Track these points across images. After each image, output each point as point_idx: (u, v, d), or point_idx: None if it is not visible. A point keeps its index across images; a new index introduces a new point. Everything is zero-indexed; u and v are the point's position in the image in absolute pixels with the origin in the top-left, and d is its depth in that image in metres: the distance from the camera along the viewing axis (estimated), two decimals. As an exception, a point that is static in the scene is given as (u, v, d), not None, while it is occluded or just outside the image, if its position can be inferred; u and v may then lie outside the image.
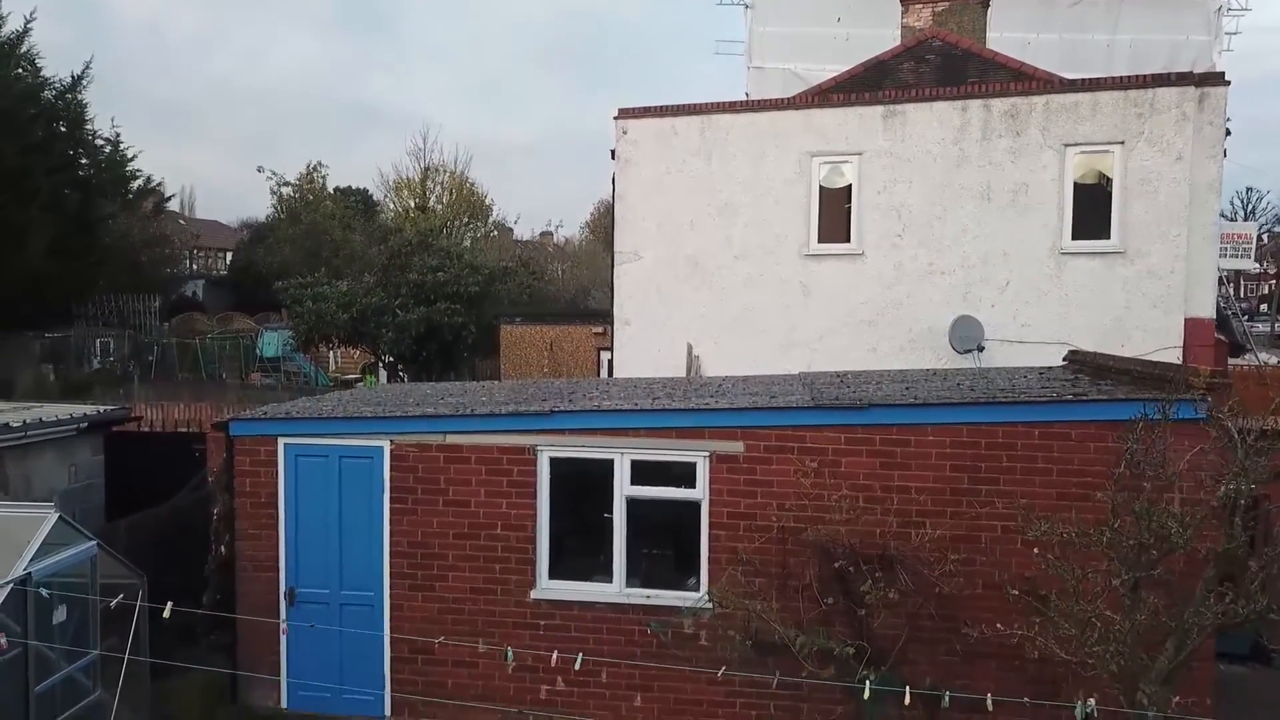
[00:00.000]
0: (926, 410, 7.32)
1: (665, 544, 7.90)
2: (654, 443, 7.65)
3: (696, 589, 7.64)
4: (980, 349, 12.71)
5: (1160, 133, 12.20)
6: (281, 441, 8.06)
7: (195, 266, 71.61)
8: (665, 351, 14.39)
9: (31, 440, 10.34)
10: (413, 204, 57.33)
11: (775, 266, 13.87)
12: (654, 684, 7.75)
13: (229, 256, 79.26)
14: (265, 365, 33.71)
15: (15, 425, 10.10)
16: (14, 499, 10.32)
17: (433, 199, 56.85)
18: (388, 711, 8.12)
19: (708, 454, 7.59)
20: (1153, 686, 5.30)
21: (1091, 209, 12.59)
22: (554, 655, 6.20)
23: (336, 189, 51.96)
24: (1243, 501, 5.34)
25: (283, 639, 8.12)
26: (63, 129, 33.52)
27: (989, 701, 5.16)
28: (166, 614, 5.87)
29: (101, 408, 11.62)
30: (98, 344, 33.96)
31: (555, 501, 7.86)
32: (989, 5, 20.87)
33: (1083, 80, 12.60)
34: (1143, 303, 12.37)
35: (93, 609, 6.82)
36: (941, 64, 16.86)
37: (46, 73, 34.07)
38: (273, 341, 33.58)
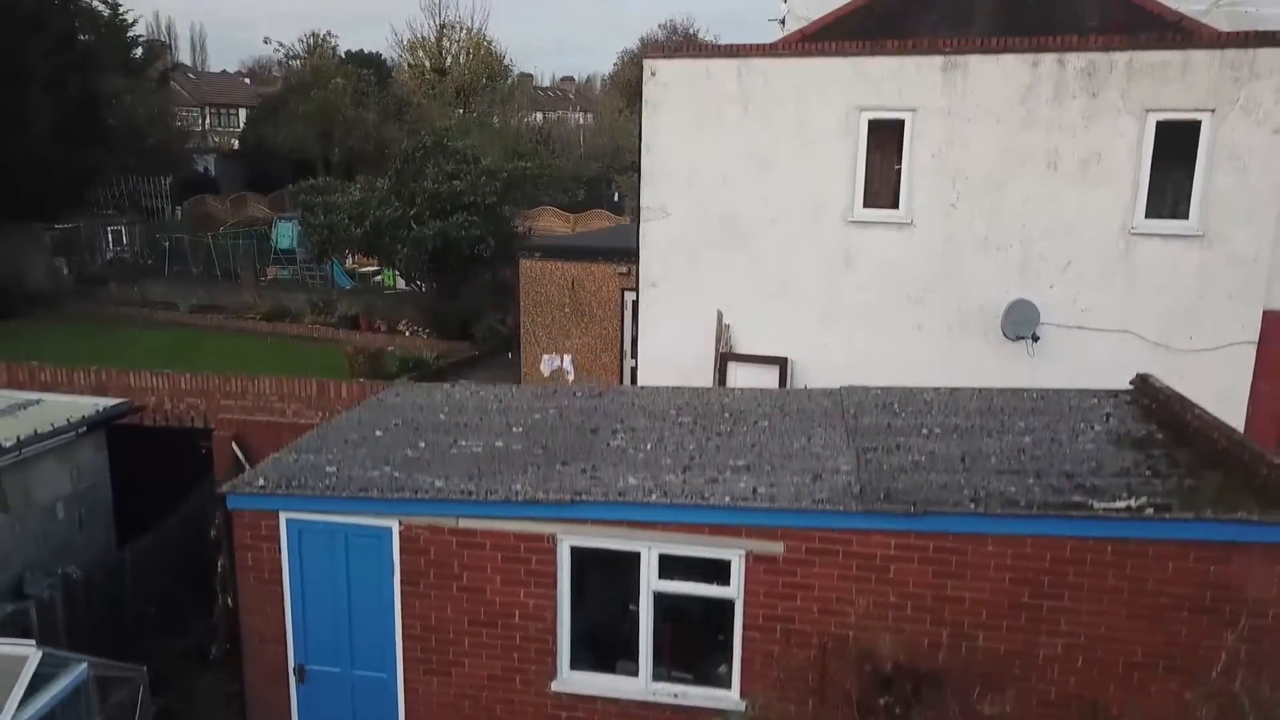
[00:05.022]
0: (988, 520, 6.59)
1: (695, 639, 7.38)
2: (685, 537, 7.01)
3: (728, 687, 7.16)
4: (1035, 339, 11.78)
5: (1258, 101, 10.82)
6: (284, 516, 7.48)
7: (206, 124, 69.88)
8: (694, 316, 13.55)
9: (29, 455, 9.84)
10: (428, 64, 54.96)
11: (816, 232, 12.80)
12: (682, 776, 7.40)
13: (242, 114, 77.35)
14: (280, 257, 32.98)
15: (8, 445, 9.56)
16: (14, 515, 9.97)
17: (449, 59, 54.40)
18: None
19: (743, 552, 6.94)
20: None
21: (1170, 184, 11.35)
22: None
23: (348, 53, 49.63)
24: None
25: (294, 715, 7.80)
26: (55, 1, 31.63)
27: None
28: None
29: (103, 404, 11.01)
30: (109, 233, 33.21)
31: (577, 591, 7.30)
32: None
33: (1174, 35, 11.08)
34: (1218, 291, 11.31)
35: (91, 728, 6.46)
36: None
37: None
38: (287, 233, 32.68)
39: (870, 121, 12.37)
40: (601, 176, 43.76)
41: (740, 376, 13.44)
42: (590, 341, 17.77)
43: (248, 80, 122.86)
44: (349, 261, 29.66)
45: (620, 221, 37.62)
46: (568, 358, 16.99)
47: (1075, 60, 11.38)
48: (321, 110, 35.98)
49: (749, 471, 7.45)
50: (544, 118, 75.95)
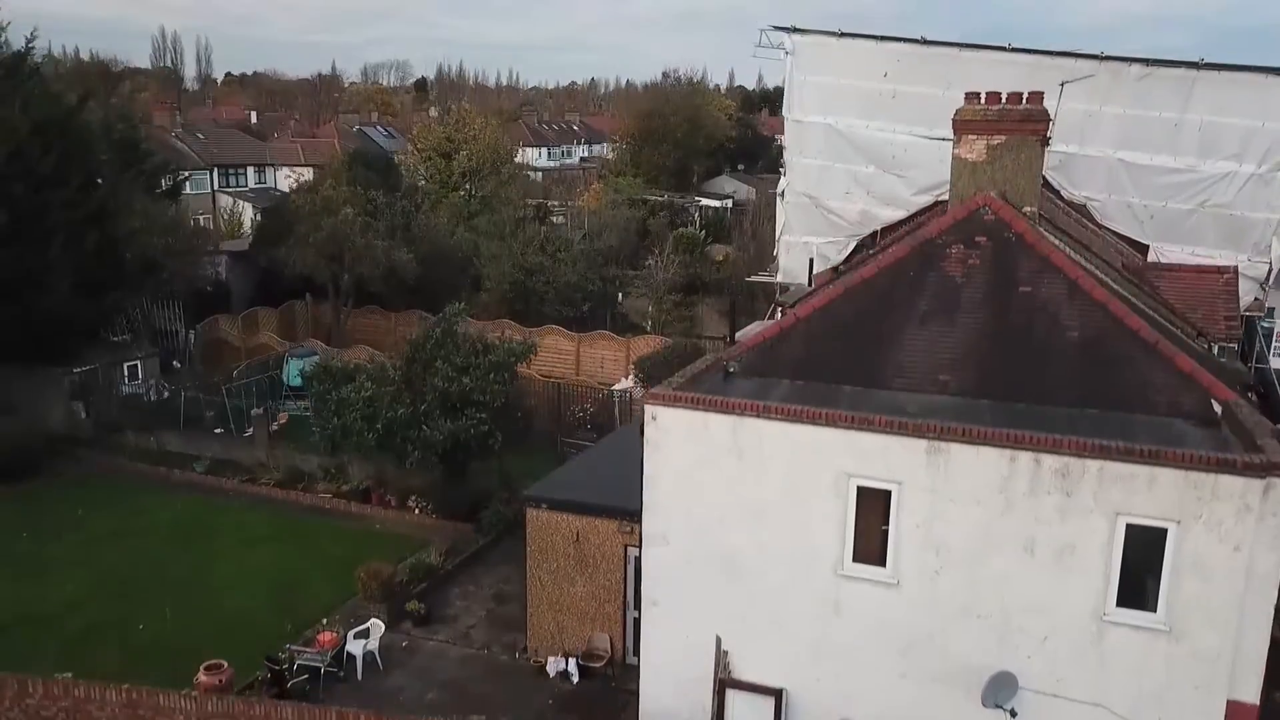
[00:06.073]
0: None
1: None
2: None
3: None
4: (1013, 714, 12.52)
5: (1219, 519, 11.55)
6: None
7: (215, 184, 70.84)
8: (694, 637, 14.37)
9: None
10: (434, 144, 55.90)
11: (808, 578, 13.59)
12: None
13: (250, 173, 78.33)
14: (291, 392, 33.79)
15: None
16: None
17: (457, 144, 55.39)
18: None
19: None
20: None
21: (1140, 580, 12.08)
22: None
23: (355, 152, 50.51)
24: None
25: None
26: (72, 150, 32.26)
27: None
28: None
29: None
30: (125, 368, 34.00)
31: None
32: (1048, 144, 19.65)
33: (1144, 449, 11.80)
34: (1184, 682, 12.04)
35: None
36: (991, 254, 16.11)
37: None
38: (298, 370, 33.48)
39: (859, 488, 13.15)
40: (607, 288, 44.41)
41: (738, 704, 14.23)
42: (595, 590, 18.54)
43: (253, 117, 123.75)
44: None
45: (621, 345, 38.38)
46: (572, 660, 17.76)
47: (1051, 461, 12.12)
48: (332, 238, 36.77)
49: None
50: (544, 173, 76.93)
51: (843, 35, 26.79)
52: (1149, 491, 11.79)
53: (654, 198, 69.66)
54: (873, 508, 13.18)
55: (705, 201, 79.39)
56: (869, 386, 14.97)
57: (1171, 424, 13.55)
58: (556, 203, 74.86)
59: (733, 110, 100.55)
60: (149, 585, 22.02)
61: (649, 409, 14.11)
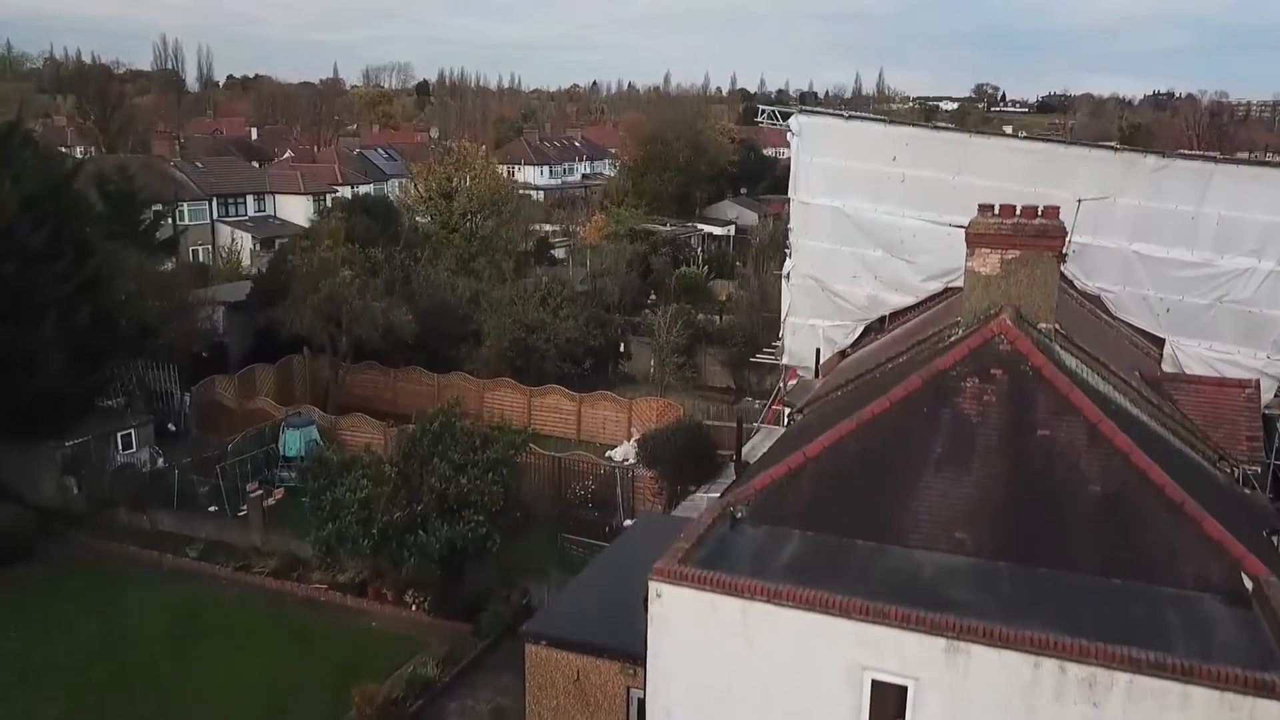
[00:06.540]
0: None
1: None
2: None
3: None
4: None
5: (1259, 743, 10.93)
6: None
7: (214, 213, 70.19)
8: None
9: None
10: (435, 186, 55.41)
11: (820, 768, 12.96)
12: None
13: (250, 201, 77.78)
14: (286, 463, 33.22)
15: None
16: None
17: (456, 183, 54.89)
18: None
19: None
20: None
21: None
22: None
23: (355, 194, 50.00)
24: None
25: None
26: (66, 218, 31.68)
27: None
28: None
29: None
30: (119, 438, 33.38)
31: None
32: (1065, 260, 19.02)
33: (1176, 664, 11.17)
34: None
35: None
36: (1008, 390, 15.55)
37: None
38: (295, 441, 32.95)
39: (874, 680, 12.54)
40: (610, 330, 43.86)
41: None
42: (596, 729, 17.95)
43: (254, 133, 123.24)
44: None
45: (624, 407, 37.77)
46: (573, 830, 17.21)
47: (1077, 670, 11.49)
48: (329, 299, 36.18)
49: None
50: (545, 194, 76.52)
51: (850, 117, 26.24)
52: (1181, 709, 11.15)
53: (656, 228, 69.20)
54: (888, 701, 12.55)
55: (707, 229, 78.96)
56: (882, 541, 14.43)
57: (1200, 600, 13.01)
58: (557, 227, 74.41)
59: (735, 134, 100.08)
60: (138, 700, 21.42)
61: (653, 585, 13.48)
